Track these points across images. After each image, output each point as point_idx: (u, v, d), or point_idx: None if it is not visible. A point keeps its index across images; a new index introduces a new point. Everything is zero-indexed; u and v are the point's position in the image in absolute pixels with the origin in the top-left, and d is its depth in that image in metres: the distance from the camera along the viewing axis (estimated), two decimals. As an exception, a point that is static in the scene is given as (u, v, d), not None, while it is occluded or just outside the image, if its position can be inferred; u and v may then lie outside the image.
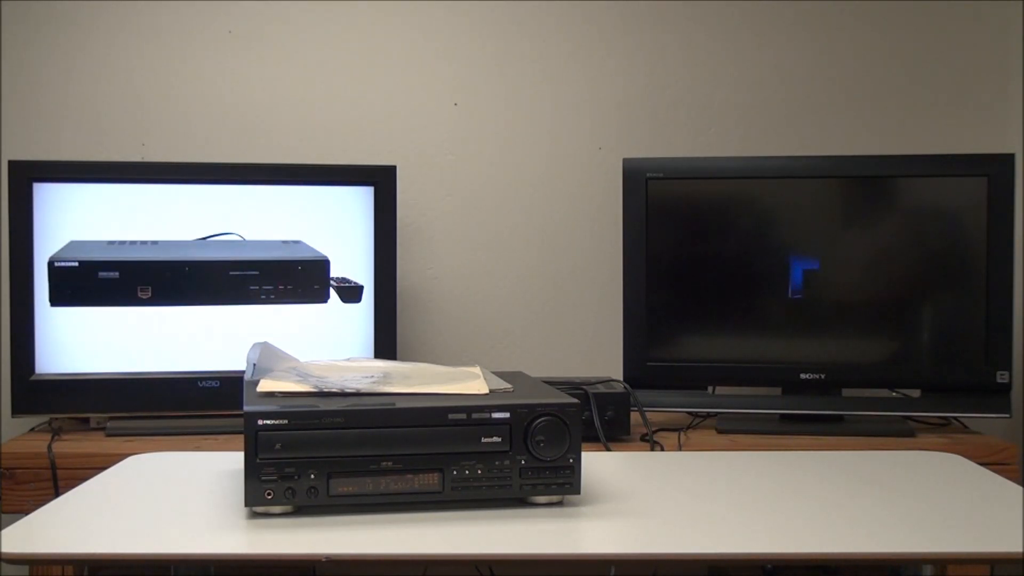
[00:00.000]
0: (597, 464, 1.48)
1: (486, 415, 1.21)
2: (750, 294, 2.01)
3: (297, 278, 2.01)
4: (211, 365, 1.99)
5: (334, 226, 2.03)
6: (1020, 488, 1.33)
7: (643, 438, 1.88)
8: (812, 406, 1.99)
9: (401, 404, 1.21)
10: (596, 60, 2.31)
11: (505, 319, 2.33)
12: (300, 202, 2.02)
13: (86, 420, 1.99)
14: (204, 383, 1.98)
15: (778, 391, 2.03)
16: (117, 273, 1.95)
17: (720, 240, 2.03)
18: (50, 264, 1.93)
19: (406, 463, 1.19)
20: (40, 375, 1.95)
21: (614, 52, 2.31)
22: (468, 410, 1.21)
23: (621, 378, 2.00)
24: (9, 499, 1.80)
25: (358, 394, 1.26)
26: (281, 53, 2.28)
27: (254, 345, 1.41)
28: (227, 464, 1.46)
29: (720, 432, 1.97)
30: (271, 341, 1.50)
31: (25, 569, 1.34)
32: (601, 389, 1.88)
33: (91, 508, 1.23)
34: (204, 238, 1.98)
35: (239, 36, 2.27)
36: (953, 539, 1.13)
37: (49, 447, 1.82)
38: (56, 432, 1.94)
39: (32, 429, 2.02)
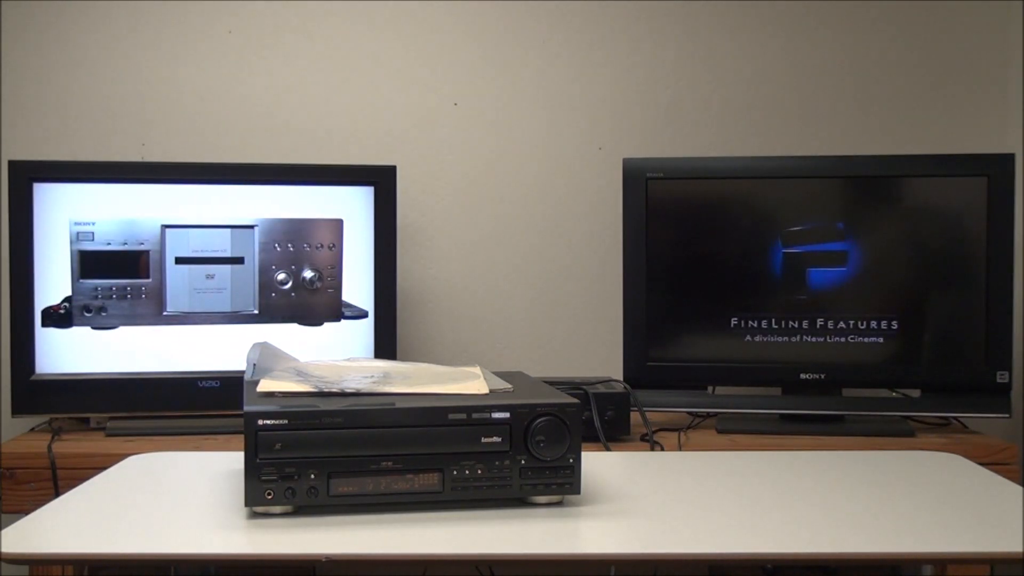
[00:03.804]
0: (597, 464, 1.48)
1: (486, 415, 1.21)
2: (750, 294, 2.01)
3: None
4: (211, 365, 1.99)
5: (334, 226, 2.04)
6: (1020, 488, 1.33)
7: (643, 438, 1.88)
8: (812, 406, 1.99)
9: (401, 404, 1.21)
10: (596, 60, 2.31)
11: (505, 319, 2.33)
12: (300, 202, 2.02)
13: (86, 420, 1.99)
14: (204, 383, 1.98)
15: (778, 391, 2.03)
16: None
17: (720, 240, 2.03)
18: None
19: (406, 463, 1.19)
20: (40, 375, 1.95)
21: (614, 52, 2.31)
22: (468, 410, 1.21)
23: (621, 378, 2.00)
24: (9, 499, 1.80)
25: (358, 394, 1.26)
26: (281, 53, 2.28)
27: (254, 345, 1.41)
28: (227, 464, 1.45)
29: (720, 432, 1.97)
30: (271, 341, 1.50)
31: (25, 569, 1.34)
32: (601, 389, 1.88)
33: (91, 508, 1.23)
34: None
35: (239, 36, 2.27)
36: (953, 539, 1.13)
37: (49, 447, 1.82)
38: (56, 432, 1.94)
39: (32, 429, 2.02)
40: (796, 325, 2.00)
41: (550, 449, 1.21)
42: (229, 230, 2.00)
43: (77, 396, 1.95)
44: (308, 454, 1.17)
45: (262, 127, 2.28)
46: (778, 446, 1.85)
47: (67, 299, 1.95)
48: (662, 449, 1.83)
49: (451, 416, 1.20)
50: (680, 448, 1.86)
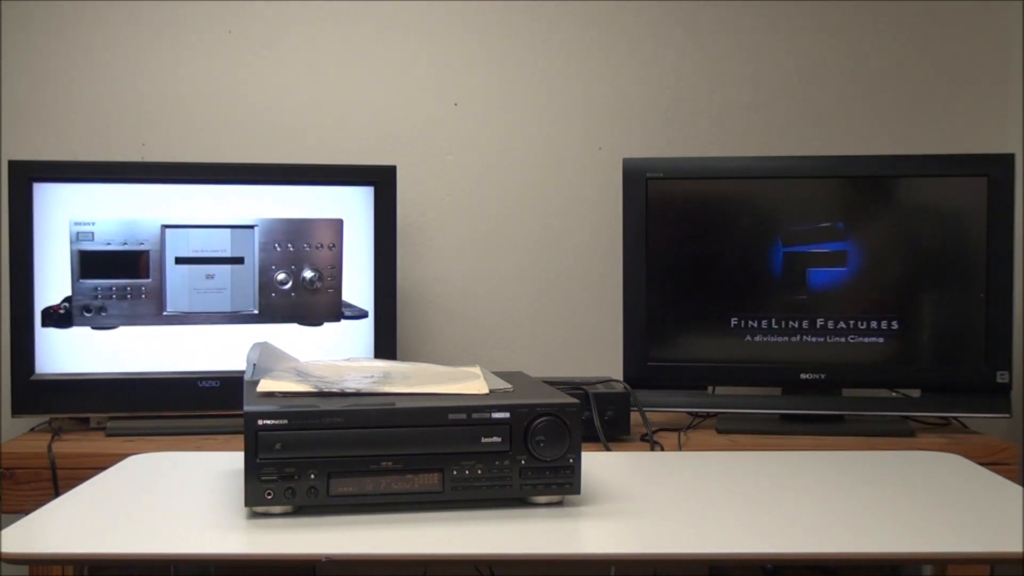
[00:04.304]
0: (597, 464, 1.48)
1: (486, 415, 1.21)
2: (750, 294, 2.01)
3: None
4: (211, 365, 1.99)
5: (334, 226, 2.04)
6: (1020, 488, 1.33)
7: (643, 438, 1.88)
8: (812, 406, 1.99)
9: (401, 404, 1.21)
10: (596, 60, 2.31)
11: (505, 319, 2.33)
12: (300, 202, 2.02)
13: (86, 420, 1.99)
14: (204, 383, 1.98)
15: (778, 391, 2.03)
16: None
17: (720, 240, 2.03)
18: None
19: (406, 463, 1.19)
20: (40, 375, 1.95)
21: (614, 52, 2.31)
22: (468, 410, 1.21)
23: (621, 378, 2.00)
24: (9, 499, 1.80)
25: (358, 394, 1.26)
26: (281, 53, 2.28)
27: (254, 345, 1.41)
28: (227, 464, 1.45)
29: (720, 432, 1.97)
30: (271, 341, 1.50)
31: (25, 569, 1.34)
32: (601, 389, 1.88)
33: (91, 508, 1.23)
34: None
35: (239, 36, 2.27)
36: (953, 539, 1.13)
37: (49, 447, 1.82)
38: (56, 432, 1.94)
39: (32, 429, 2.02)
40: (796, 325, 2.00)
41: (550, 449, 1.21)
42: (229, 230, 2.00)
43: (77, 396, 1.95)
44: (308, 454, 1.17)
45: (262, 127, 2.28)
46: (778, 446, 1.85)
47: (67, 299, 1.95)
48: (662, 449, 1.83)
49: (451, 416, 1.20)
50: (680, 448, 1.86)
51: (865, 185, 2.00)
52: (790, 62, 2.31)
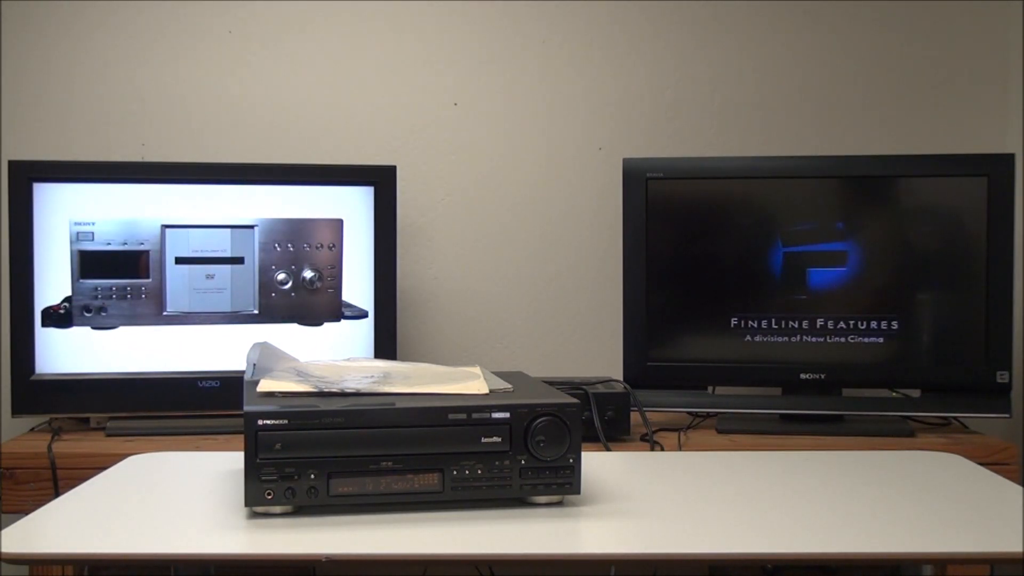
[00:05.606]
0: (597, 464, 1.48)
1: (486, 415, 1.21)
2: (750, 294, 2.01)
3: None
4: (211, 365, 1.99)
5: (334, 226, 2.04)
6: (1020, 488, 1.33)
7: (643, 438, 1.88)
8: (812, 406, 1.99)
9: (401, 404, 1.21)
10: (596, 60, 2.31)
11: (505, 319, 2.33)
12: (300, 202, 2.02)
13: (86, 420, 1.99)
14: (204, 383, 1.98)
15: (778, 391, 2.03)
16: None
17: (720, 240, 2.03)
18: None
19: (406, 463, 1.19)
20: (40, 375, 1.95)
21: (614, 52, 2.31)
22: (468, 410, 1.21)
23: (621, 378, 2.00)
24: (9, 499, 1.80)
25: (358, 394, 1.26)
26: (281, 53, 2.28)
27: (254, 345, 1.41)
28: (227, 464, 1.46)
29: (720, 432, 1.97)
30: (271, 341, 1.50)
31: (25, 569, 1.34)
32: (601, 389, 1.88)
33: (91, 508, 1.23)
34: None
35: (239, 36, 2.27)
36: (953, 539, 1.13)
37: (49, 447, 1.82)
38: (56, 432, 1.94)
39: (32, 429, 2.02)
40: (796, 325, 2.00)
41: (550, 449, 1.21)
42: (229, 230, 2.00)
43: (77, 396, 1.95)
44: (308, 454, 1.17)
45: (262, 127, 2.28)
46: (778, 446, 1.85)
47: (67, 299, 1.95)
48: (662, 449, 1.83)
49: (451, 416, 1.20)
50: (680, 448, 1.86)
51: (865, 185, 2.00)
52: (790, 62, 2.31)
